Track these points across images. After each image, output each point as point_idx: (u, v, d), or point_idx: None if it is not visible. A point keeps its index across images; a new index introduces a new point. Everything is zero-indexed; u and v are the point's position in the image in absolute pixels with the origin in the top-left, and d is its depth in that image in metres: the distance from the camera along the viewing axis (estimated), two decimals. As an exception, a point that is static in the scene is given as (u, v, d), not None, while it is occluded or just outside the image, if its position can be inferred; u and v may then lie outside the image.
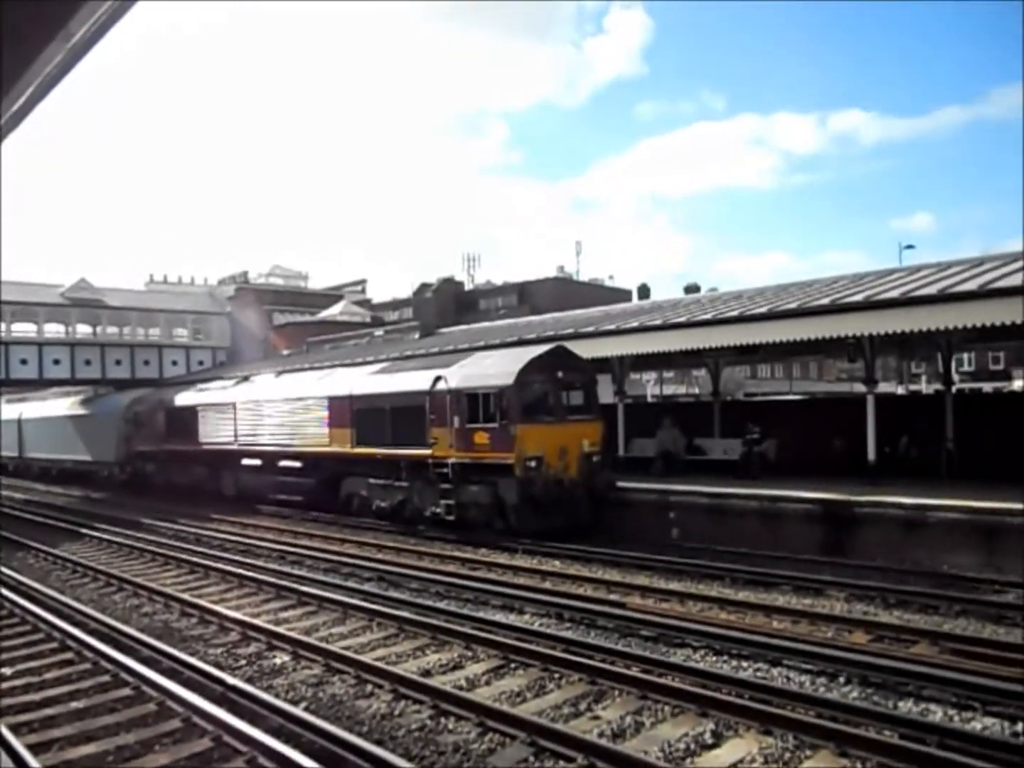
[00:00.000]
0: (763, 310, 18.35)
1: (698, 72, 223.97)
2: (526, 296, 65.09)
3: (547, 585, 13.59)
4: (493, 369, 18.28)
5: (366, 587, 13.74)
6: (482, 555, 16.81)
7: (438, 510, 18.76)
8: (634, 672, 8.63)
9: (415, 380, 19.93)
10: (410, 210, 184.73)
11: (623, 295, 64.16)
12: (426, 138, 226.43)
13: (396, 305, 71.59)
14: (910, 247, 71.61)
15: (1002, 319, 14.47)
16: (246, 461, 26.38)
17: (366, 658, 9.42)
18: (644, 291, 65.37)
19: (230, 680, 8.43)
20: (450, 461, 18.30)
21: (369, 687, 8.64)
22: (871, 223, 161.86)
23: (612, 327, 21.67)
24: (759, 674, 8.83)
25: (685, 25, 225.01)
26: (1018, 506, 13.45)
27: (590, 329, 22.35)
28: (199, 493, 28.74)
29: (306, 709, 7.86)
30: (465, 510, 18.29)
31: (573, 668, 8.87)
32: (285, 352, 44.05)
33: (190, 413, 29.60)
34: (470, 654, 9.78)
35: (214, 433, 28.06)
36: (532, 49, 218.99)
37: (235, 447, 26.74)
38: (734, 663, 9.26)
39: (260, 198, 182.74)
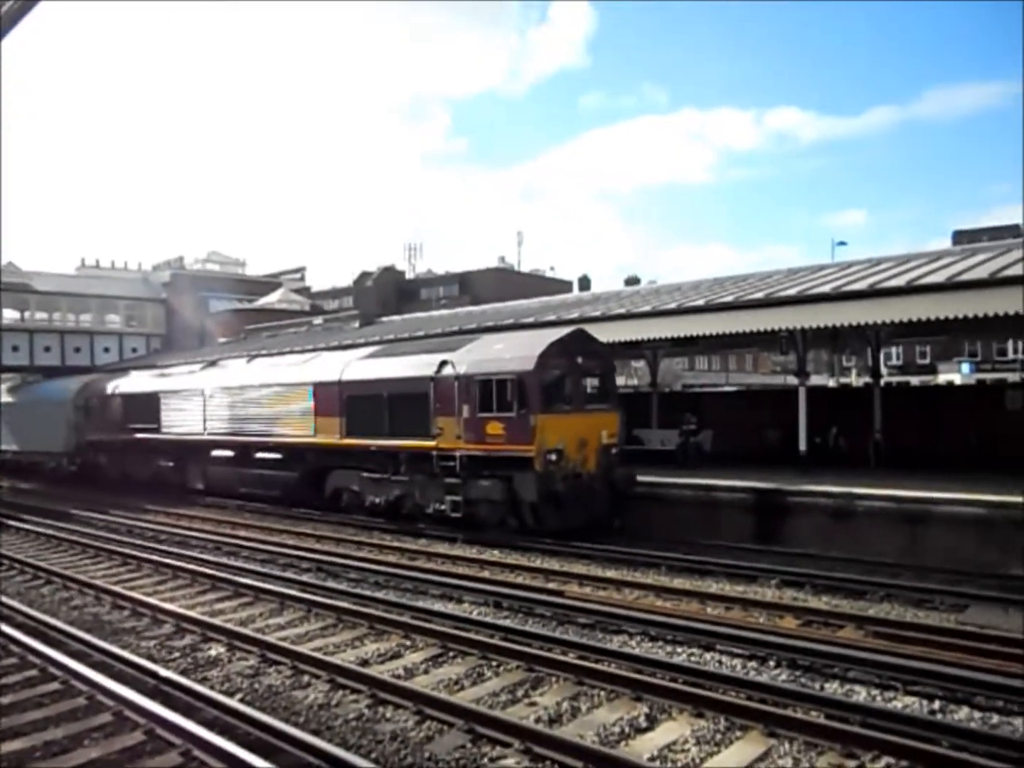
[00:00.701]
0: (700, 303, 18.69)
1: (641, 66, 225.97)
2: (467, 286, 65.02)
3: (486, 574, 13.67)
4: (509, 353, 16.77)
5: (304, 578, 13.63)
6: (422, 545, 16.82)
7: (442, 507, 17.44)
8: (571, 659, 8.74)
9: (417, 365, 18.29)
10: (351, 197, 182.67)
11: (564, 286, 64.53)
12: (368, 124, 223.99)
13: (336, 294, 70.86)
14: (842, 243, 73.34)
15: (927, 315, 15.00)
16: (217, 452, 24.36)
17: (303, 648, 9.37)
18: (585, 282, 65.79)
19: (163, 672, 8.30)
20: (458, 453, 16.88)
21: (306, 678, 8.60)
22: (807, 218, 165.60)
23: (552, 317, 21.82)
24: (693, 659, 9.04)
25: (628, 18, 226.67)
26: (939, 495, 13.98)
27: (530, 320, 22.47)
28: (161, 487, 26.64)
29: (242, 700, 7.78)
30: (474, 507, 16.94)
31: (511, 656, 8.95)
32: (222, 340, 43.25)
33: (151, 400, 27.32)
34: (408, 643, 9.80)
35: (179, 422, 26.01)
36: (477, 37, 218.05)
37: (204, 437, 24.78)
38: (669, 648, 9.46)
39: (196, 182, 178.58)
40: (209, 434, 24.62)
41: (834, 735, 6.69)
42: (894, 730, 6.68)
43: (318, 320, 40.97)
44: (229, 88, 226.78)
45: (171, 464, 26.75)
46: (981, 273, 15.53)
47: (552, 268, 74.47)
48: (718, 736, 6.92)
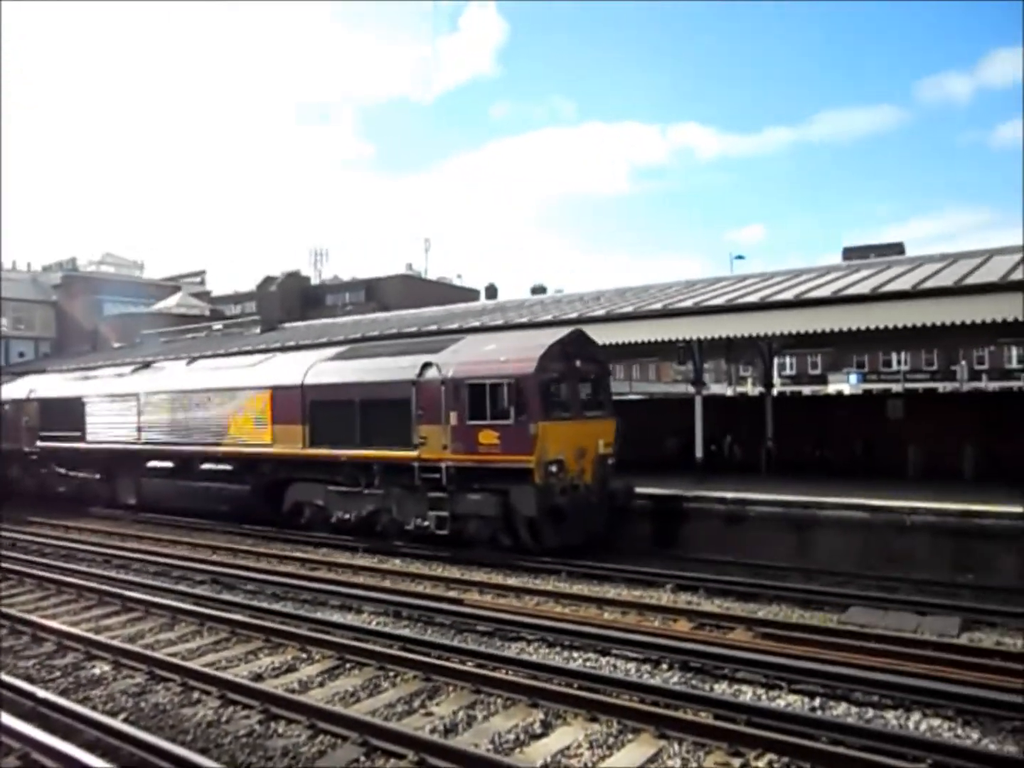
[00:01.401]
0: (601, 313, 19.05)
1: (549, 77, 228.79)
2: (374, 293, 64.43)
3: (387, 584, 13.57)
4: (504, 355, 15.37)
5: (198, 591, 13.25)
6: (322, 555, 16.57)
7: (425, 523, 15.88)
8: (469, 667, 8.75)
9: (396, 368, 16.74)
10: (256, 201, 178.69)
11: (471, 294, 64.64)
12: (275, 128, 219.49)
13: (238, 299, 69.16)
14: (740, 257, 75.95)
15: (814, 327, 15.67)
16: (153, 463, 22.05)
17: (193, 664, 9.09)
18: (492, 291, 66.08)
19: (41, 693, 7.92)
20: (444, 465, 15.43)
21: (196, 694, 8.35)
22: (709, 232, 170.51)
23: (455, 326, 21.85)
24: (589, 663, 9.17)
25: (537, 30, 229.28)
26: (826, 499, 14.60)
27: (432, 327, 22.44)
28: (87, 502, 24.41)
29: (126, 720, 7.50)
30: (462, 523, 15.52)
31: (409, 666, 8.91)
32: (116, 345, 41.67)
33: (74, 405, 24.61)
34: (305, 656, 9.63)
35: (109, 430, 23.45)
36: (386, 43, 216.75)
37: (138, 446, 22.40)
38: (566, 654, 9.57)
39: (92, 181, 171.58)
40: (144, 443, 22.34)
41: (721, 735, 6.89)
42: (777, 728, 6.92)
43: (218, 325, 39.93)
44: (129, 88, 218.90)
45: (97, 476, 24.23)
46: (864, 288, 16.33)
47: (460, 276, 74.53)
48: (611, 739, 7.04)
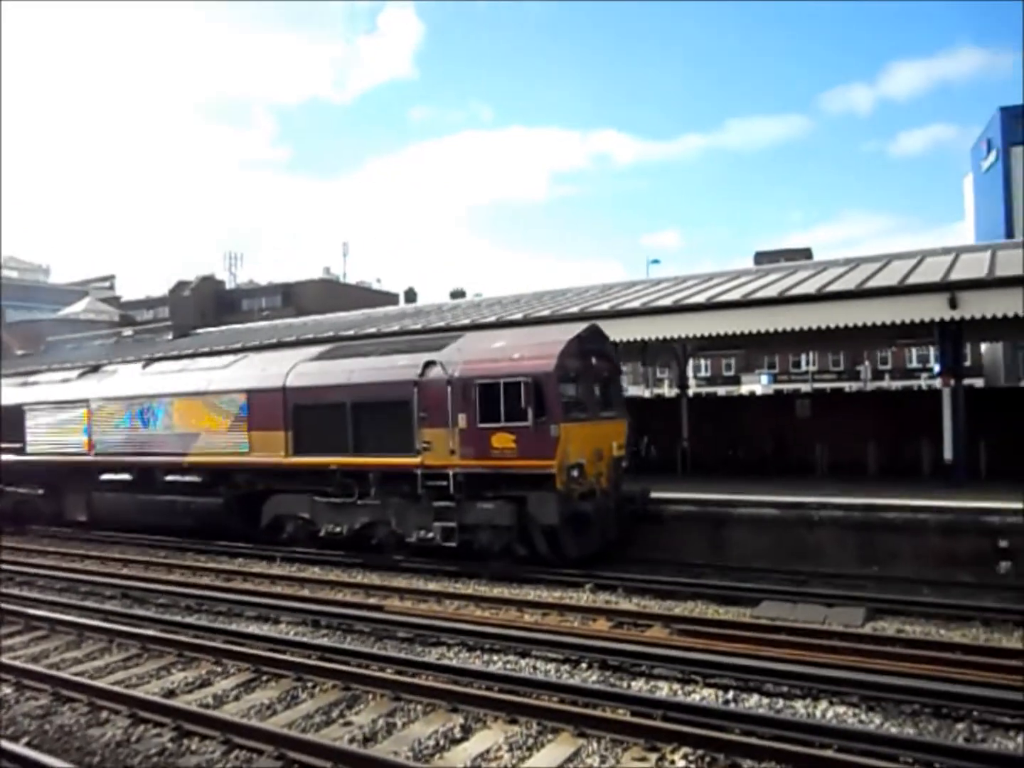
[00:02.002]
0: (518, 316, 19.17)
1: (468, 81, 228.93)
2: (291, 297, 63.43)
3: (305, 592, 13.36)
4: (518, 352, 14.32)
5: (107, 606, 12.81)
6: (239, 565, 16.21)
7: (430, 535, 14.73)
8: (389, 674, 8.70)
9: (393, 367, 15.51)
10: (167, 204, 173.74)
11: (390, 298, 64.25)
12: (186, 130, 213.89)
13: (150, 304, 67.25)
14: (656, 261, 77.39)
15: (725, 329, 16.10)
16: (108, 477, 20.22)
17: (101, 683, 8.79)
18: (411, 295, 65.80)
19: (-65, 720, 7.55)
20: (452, 471, 14.31)
21: (104, 713, 8.06)
22: (627, 236, 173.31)
23: (373, 330, 21.68)
24: (508, 666, 9.21)
25: (455, 33, 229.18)
26: (740, 497, 14.99)
27: (350, 332, 22.22)
28: (26, 520, 22.32)
29: (28, 744, 7.21)
30: (472, 534, 14.41)
31: (327, 675, 8.79)
32: (19, 353, 39.92)
33: (12, 414, 22.50)
34: (220, 669, 9.40)
35: (53, 440, 21.50)
36: (302, 43, 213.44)
37: (89, 458, 20.53)
38: (486, 657, 9.59)
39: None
40: (96, 454, 20.47)
41: (639, 731, 7.02)
42: (692, 721, 7.09)
43: (128, 331, 38.68)
44: (34, 87, 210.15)
45: (40, 492, 22.23)
46: (772, 292, 16.86)
47: (379, 280, 73.98)
48: (531, 740, 7.08)
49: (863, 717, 7.35)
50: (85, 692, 8.49)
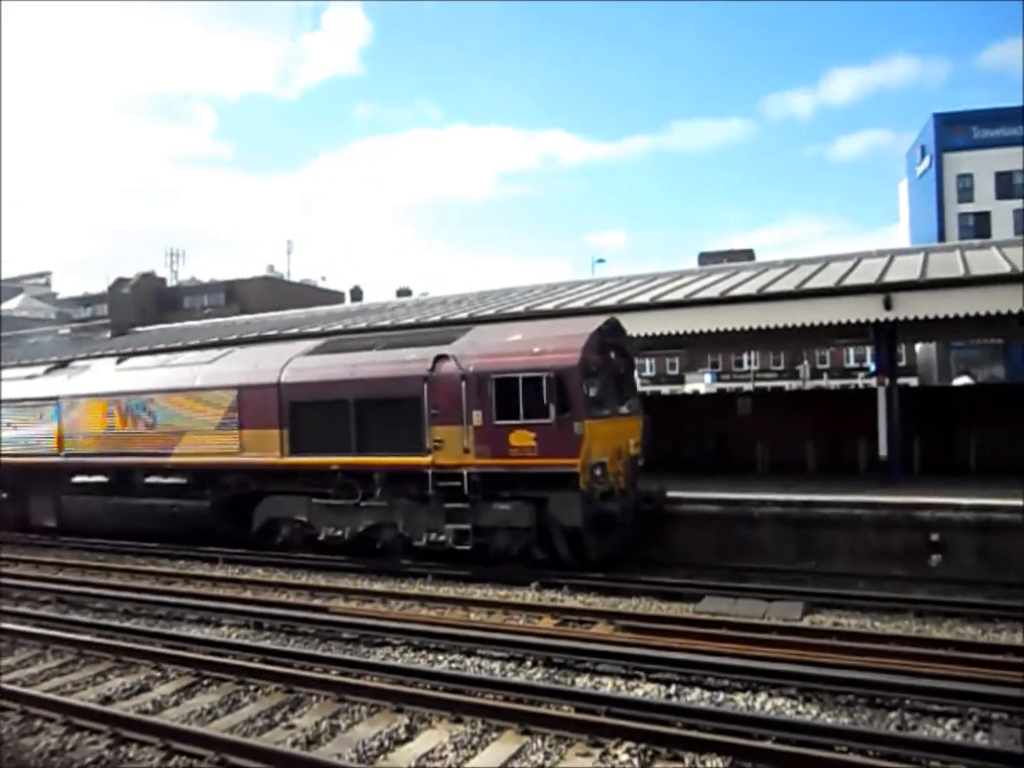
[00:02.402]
0: (463, 315, 19.17)
1: (414, 79, 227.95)
2: (234, 295, 62.46)
3: (248, 594, 13.18)
4: (538, 345, 13.68)
5: (42, 611, 12.46)
6: (179, 568, 15.92)
7: (441, 538, 14.10)
8: (333, 676, 8.63)
9: (400, 361, 14.73)
10: (106, 200, 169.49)
11: (336, 296, 63.67)
12: (123, 125, 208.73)
13: (88, 301, 65.50)
14: (601, 261, 77.99)
15: (668, 328, 16.30)
16: (80, 479, 19.04)
17: (35, 691, 8.55)
18: (357, 293, 65.26)
19: None
20: (466, 471, 13.69)
21: (38, 722, 7.85)
22: (573, 236, 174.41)
23: (317, 329, 21.46)
24: (454, 665, 9.21)
25: (402, 31, 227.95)
26: (683, 494, 15.18)
27: (293, 331, 21.97)
28: None
29: (-44, 755, 7.00)
30: (488, 537, 13.79)
31: (270, 678, 8.68)
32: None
33: None
34: (159, 674, 9.22)
35: (18, 440, 20.31)
36: (244, 40, 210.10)
37: (59, 459, 19.40)
38: (431, 657, 9.57)
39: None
40: (67, 455, 19.34)
41: (582, 727, 7.08)
42: (635, 716, 7.17)
43: (64, 329, 37.67)
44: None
45: (4, 496, 21.04)
46: (714, 292, 17.14)
47: (324, 279, 73.21)
48: (475, 739, 7.09)
49: (800, 708, 7.52)
50: (17, 700, 8.26)
